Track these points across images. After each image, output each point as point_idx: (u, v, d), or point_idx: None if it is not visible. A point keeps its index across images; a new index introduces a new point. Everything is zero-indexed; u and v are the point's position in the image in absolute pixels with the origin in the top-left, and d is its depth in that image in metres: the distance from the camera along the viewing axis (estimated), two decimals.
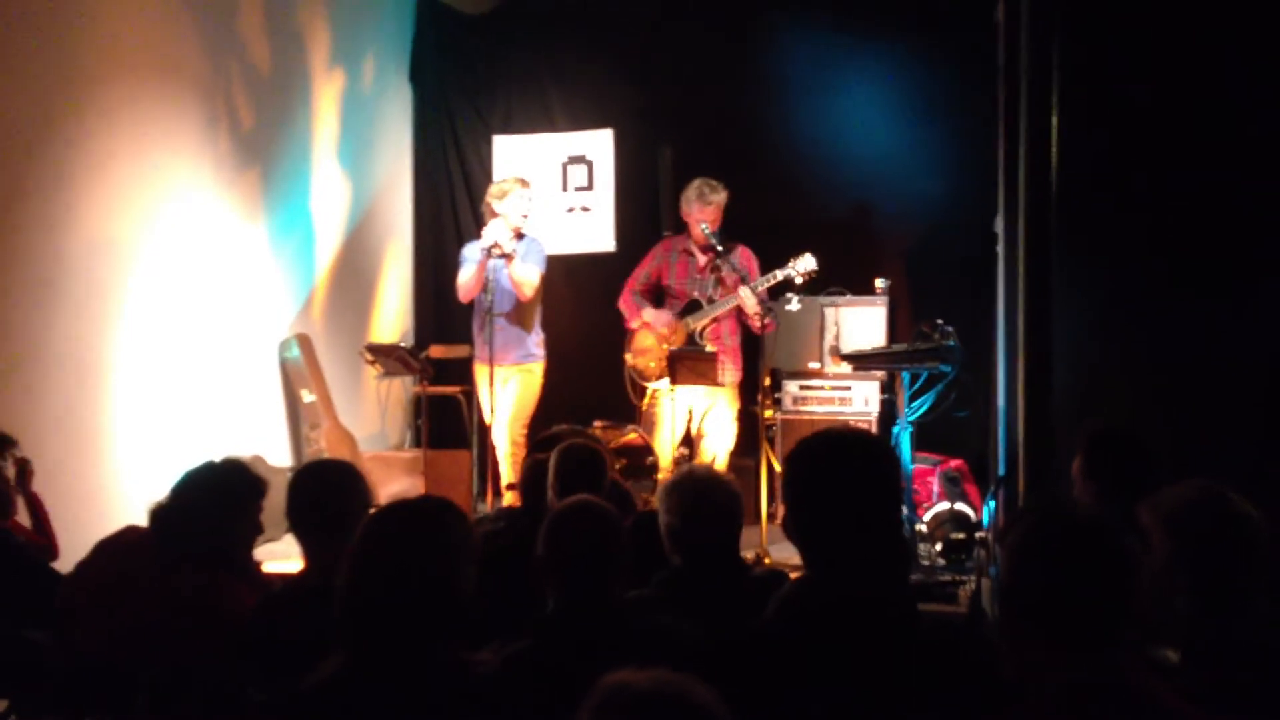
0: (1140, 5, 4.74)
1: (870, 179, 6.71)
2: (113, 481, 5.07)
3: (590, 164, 7.53)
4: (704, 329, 5.75)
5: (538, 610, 2.38)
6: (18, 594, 3.35)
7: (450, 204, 7.83)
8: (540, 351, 6.03)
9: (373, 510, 2.36)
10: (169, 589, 2.79)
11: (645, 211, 7.21)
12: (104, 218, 5.11)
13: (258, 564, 3.12)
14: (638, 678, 1.41)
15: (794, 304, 5.72)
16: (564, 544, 2.36)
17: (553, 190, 7.50)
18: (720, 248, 5.62)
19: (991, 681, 1.82)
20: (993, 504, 5.28)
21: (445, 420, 6.84)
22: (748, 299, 5.48)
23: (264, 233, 6.32)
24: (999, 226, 5.16)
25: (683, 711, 1.39)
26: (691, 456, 5.82)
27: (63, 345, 4.89)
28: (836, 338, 6.16)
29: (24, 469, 3.89)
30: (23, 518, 3.89)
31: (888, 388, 6.02)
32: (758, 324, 5.45)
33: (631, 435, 5.81)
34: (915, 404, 5.13)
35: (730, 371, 5.76)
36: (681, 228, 5.94)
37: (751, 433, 5.74)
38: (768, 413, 5.50)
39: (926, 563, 5.05)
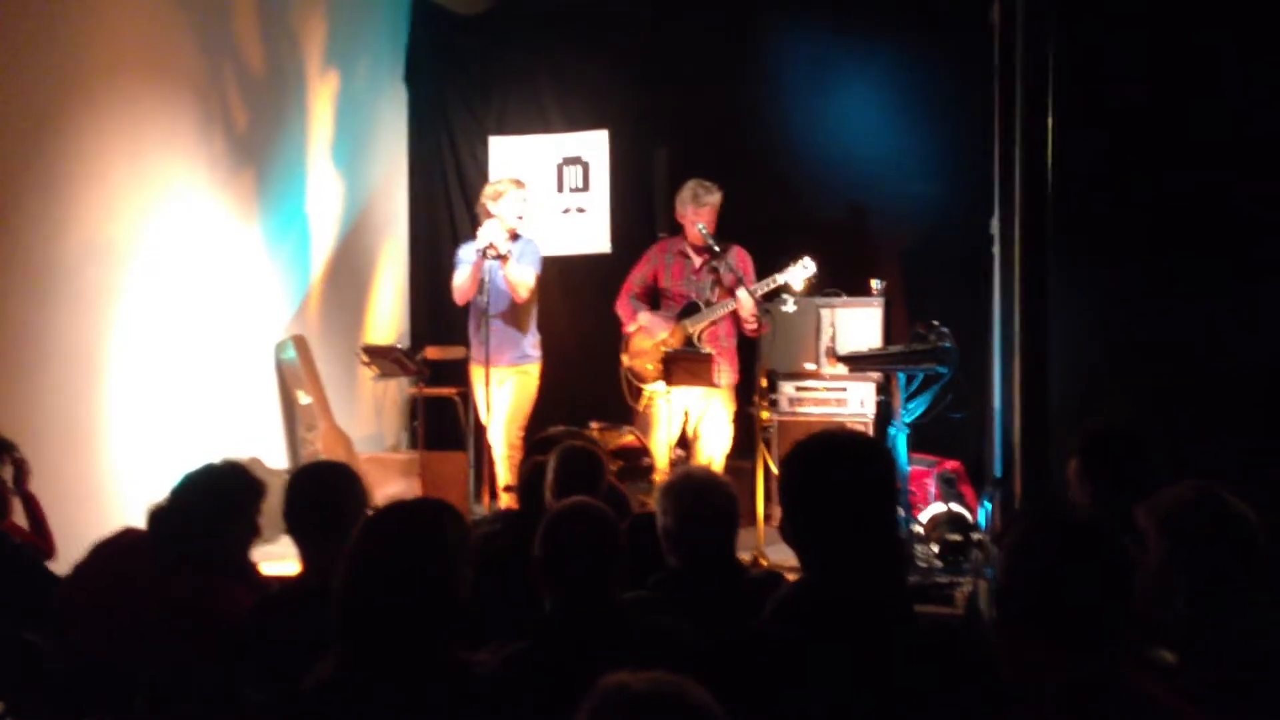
0: (1135, 5, 4.75)
1: (866, 180, 6.70)
2: (109, 482, 5.06)
3: (586, 165, 7.52)
4: (702, 332, 5.75)
5: (536, 612, 2.38)
6: (15, 595, 3.35)
7: (445, 205, 7.82)
8: (536, 353, 6.02)
9: (370, 512, 2.36)
10: (167, 591, 2.79)
11: (641, 213, 7.21)
12: (99, 219, 5.11)
13: (255, 566, 3.12)
14: (635, 679, 1.41)
15: (790, 305, 5.71)
16: (562, 545, 2.36)
17: (548, 191, 7.49)
18: (716, 249, 5.63)
19: (989, 683, 1.83)
20: (989, 505, 5.29)
21: (441, 422, 6.84)
22: (746, 302, 5.49)
23: (259, 234, 6.31)
24: (995, 227, 5.17)
25: (680, 713, 1.39)
26: (688, 458, 5.83)
27: (59, 346, 4.88)
28: (832, 339, 6.15)
29: (21, 469, 3.89)
30: (19, 518, 3.89)
31: (884, 389, 6.01)
32: (752, 327, 5.46)
33: (628, 437, 5.81)
34: (911, 405, 5.12)
35: (726, 373, 5.76)
36: (676, 229, 5.94)
37: (748, 434, 5.74)
38: (764, 414, 5.50)
39: (923, 564, 5.04)
